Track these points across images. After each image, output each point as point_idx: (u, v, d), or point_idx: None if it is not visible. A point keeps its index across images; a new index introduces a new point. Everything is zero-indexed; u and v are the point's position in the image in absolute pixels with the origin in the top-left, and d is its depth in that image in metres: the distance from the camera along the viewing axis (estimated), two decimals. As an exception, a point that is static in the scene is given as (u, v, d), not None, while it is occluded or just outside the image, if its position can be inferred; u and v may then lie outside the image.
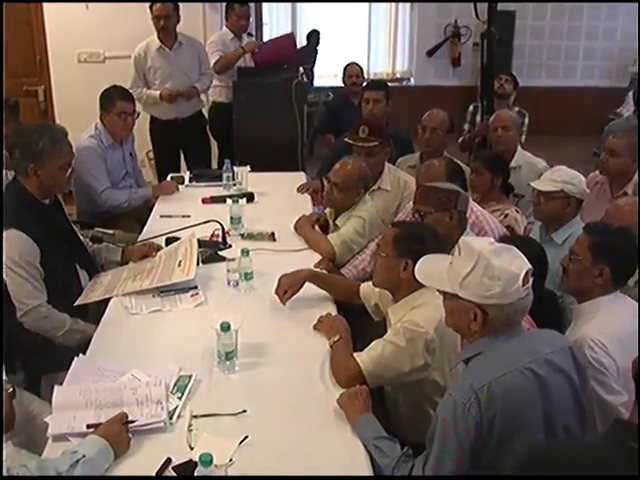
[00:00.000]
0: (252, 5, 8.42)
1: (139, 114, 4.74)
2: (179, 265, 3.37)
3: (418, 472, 2.11)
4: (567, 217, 3.56)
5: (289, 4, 11.25)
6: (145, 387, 2.43)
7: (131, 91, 5.30)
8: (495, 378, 2.04)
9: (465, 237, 2.32)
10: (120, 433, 2.20)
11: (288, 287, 3.12)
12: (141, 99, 5.60)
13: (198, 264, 3.40)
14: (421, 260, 2.38)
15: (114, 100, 4.54)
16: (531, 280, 2.11)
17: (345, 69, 6.47)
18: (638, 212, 3.04)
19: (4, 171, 3.89)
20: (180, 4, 5.66)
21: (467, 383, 2.06)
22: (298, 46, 9.95)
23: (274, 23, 11.10)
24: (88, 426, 2.26)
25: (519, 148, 4.71)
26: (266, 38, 8.67)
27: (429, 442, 2.12)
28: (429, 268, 2.33)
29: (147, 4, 5.65)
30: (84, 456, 2.04)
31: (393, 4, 11.30)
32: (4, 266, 3.03)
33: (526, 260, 2.13)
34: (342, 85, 6.64)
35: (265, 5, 9.44)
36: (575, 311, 2.80)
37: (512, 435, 2.06)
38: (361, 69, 6.48)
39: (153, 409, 2.35)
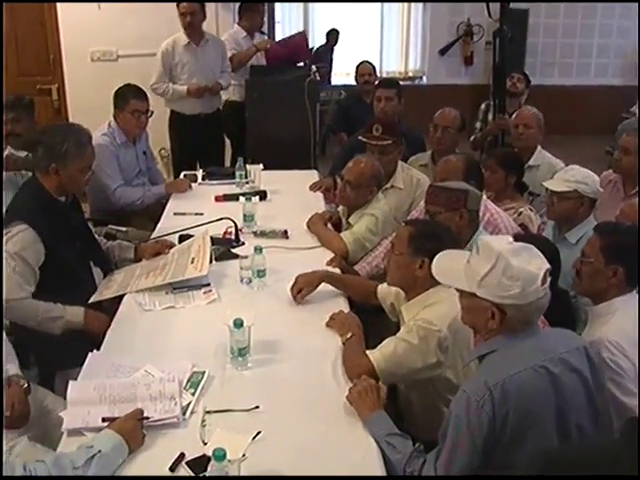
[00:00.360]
0: (265, 4, 8.48)
1: (152, 113, 4.76)
2: (192, 262, 3.39)
3: (430, 468, 2.11)
4: (580, 217, 3.53)
5: (301, 3, 11.27)
6: (159, 383, 2.44)
7: (156, 86, 5.61)
8: (509, 375, 2.04)
9: (483, 236, 2.32)
10: (135, 429, 2.21)
11: (303, 285, 3.14)
12: (166, 94, 5.75)
13: (211, 261, 3.41)
14: (438, 256, 2.37)
15: (128, 98, 4.57)
16: (549, 279, 2.11)
17: (357, 68, 6.47)
18: None
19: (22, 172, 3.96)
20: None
21: (481, 380, 2.06)
22: (311, 44, 10.04)
23: (286, 22, 11.14)
24: (104, 419, 2.27)
25: (539, 147, 4.68)
26: (278, 37, 8.67)
27: (441, 438, 2.12)
28: (446, 265, 2.32)
29: (159, 3, 5.68)
30: (100, 451, 2.05)
31: (406, 4, 11.30)
32: (4, 253, 3.06)
33: (544, 259, 2.12)
34: (354, 83, 6.65)
35: (278, 4, 9.44)
36: (591, 313, 2.77)
37: (525, 432, 2.06)
38: (373, 67, 6.48)
39: (167, 405, 2.36)
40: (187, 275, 3.30)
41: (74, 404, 2.36)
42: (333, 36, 10.48)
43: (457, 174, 3.56)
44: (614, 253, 2.64)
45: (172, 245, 3.70)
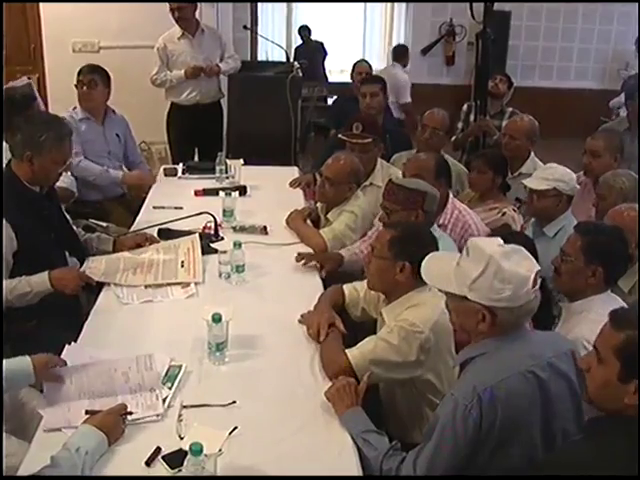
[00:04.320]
0: (247, 4, 8.48)
1: (101, 87, 4.84)
2: (182, 265, 3.40)
3: (408, 465, 2.12)
4: (558, 212, 3.62)
5: (284, 3, 11.26)
6: (136, 373, 2.44)
7: (155, 77, 5.78)
8: (498, 381, 2.05)
9: (474, 238, 2.32)
10: (117, 425, 2.20)
11: (320, 322, 2.85)
12: (166, 82, 5.86)
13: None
14: (426, 259, 2.36)
15: (78, 74, 4.80)
16: (539, 281, 2.11)
17: (354, 66, 6.51)
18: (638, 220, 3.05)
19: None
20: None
21: (470, 384, 2.06)
22: (294, 45, 10.07)
23: (269, 23, 11.12)
24: (87, 412, 2.26)
25: (532, 156, 4.69)
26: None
27: (425, 438, 2.12)
28: (435, 268, 2.31)
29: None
30: (87, 452, 2.04)
31: (389, 3, 11.33)
32: None
33: (534, 261, 2.14)
34: (349, 81, 6.66)
35: (260, 5, 9.43)
36: (566, 309, 2.81)
37: (511, 437, 2.07)
38: (370, 66, 6.51)
39: (148, 398, 2.36)
40: (180, 279, 3.30)
41: (52, 402, 2.33)
42: (305, 33, 10.50)
43: (428, 172, 3.57)
44: (595, 253, 2.68)
45: (152, 238, 3.68)
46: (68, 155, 3.38)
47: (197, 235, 3.67)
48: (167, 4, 5.74)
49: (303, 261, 3.53)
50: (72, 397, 2.35)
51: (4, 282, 3.06)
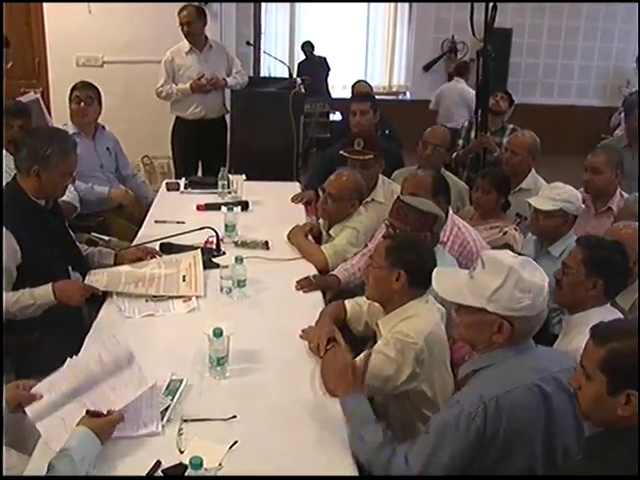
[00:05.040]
0: (251, 17, 8.52)
1: (94, 100, 4.89)
2: (183, 279, 3.41)
3: (400, 458, 2.14)
4: (563, 232, 3.62)
5: (287, 19, 11.34)
6: (109, 355, 2.43)
7: (161, 89, 5.84)
8: (504, 392, 2.07)
9: (486, 251, 2.36)
10: (111, 433, 2.21)
11: (320, 336, 2.86)
12: (171, 95, 5.93)
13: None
14: (435, 274, 2.38)
15: (72, 90, 4.86)
16: (548, 291, 2.17)
17: (353, 87, 6.54)
18: (638, 236, 3.07)
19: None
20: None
21: (477, 393, 2.09)
22: (297, 59, 10.11)
23: (272, 38, 11.19)
24: (87, 412, 2.23)
25: (533, 171, 4.71)
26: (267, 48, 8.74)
27: (421, 434, 2.16)
28: (447, 282, 2.33)
29: (147, 9, 5.73)
30: (90, 464, 2.05)
31: (391, 19, 11.40)
32: None
33: (543, 272, 2.19)
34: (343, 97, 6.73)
35: (262, 20, 9.52)
36: (567, 322, 2.84)
37: (513, 449, 2.09)
38: (370, 87, 6.56)
39: (132, 375, 2.39)
40: (181, 292, 3.32)
41: (40, 419, 2.28)
42: (308, 48, 10.57)
43: (425, 190, 3.57)
44: (596, 266, 2.73)
45: (153, 252, 3.70)
46: (74, 167, 3.39)
47: (199, 250, 3.67)
48: (175, 19, 5.82)
49: (304, 289, 3.49)
50: (59, 405, 2.31)
51: (7, 294, 3.07)
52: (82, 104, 4.83)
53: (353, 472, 2.20)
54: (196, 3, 6.10)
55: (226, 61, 6.11)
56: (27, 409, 2.30)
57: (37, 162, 3.22)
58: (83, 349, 2.77)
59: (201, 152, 6.09)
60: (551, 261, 3.42)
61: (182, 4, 5.87)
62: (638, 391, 1.71)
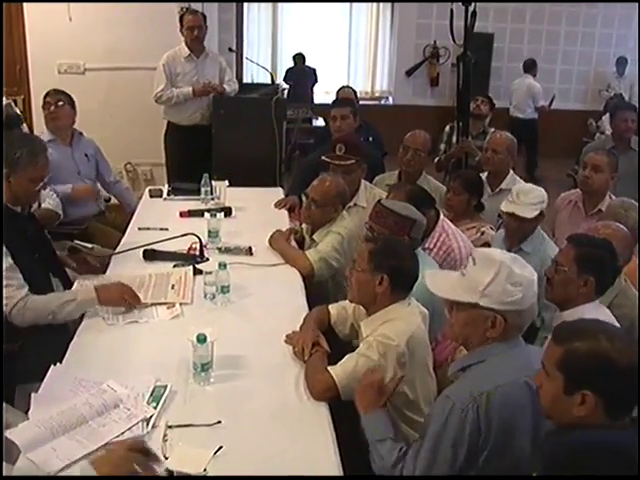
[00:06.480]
0: (233, 23, 8.55)
1: (67, 107, 4.91)
2: (172, 288, 3.42)
3: (409, 467, 2.18)
4: (534, 229, 3.72)
5: (270, 25, 11.37)
6: (96, 398, 2.43)
7: (161, 93, 5.89)
8: (494, 387, 2.10)
9: (477, 249, 2.42)
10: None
11: (304, 341, 2.85)
12: (172, 99, 5.96)
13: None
14: (428, 276, 2.45)
15: (45, 97, 4.93)
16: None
17: (338, 93, 6.56)
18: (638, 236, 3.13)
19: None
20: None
21: (467, 389, 2.12)
22: (278, 67, 10.14)
23: (254, 45, 11.22)
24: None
25: (511, 172, 4.76)
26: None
27: (421, 438, 2.19)
28: (440, 281, 2.39)
29: (128, 16, 5.73)
30: None
31: (373, 25, 11.45)
32: None
33: (530, 267, 2.25)
34: (326, 103, 6.73)
35: (245, 25, 9.54)
36: (556, 319, 2.86)
37: (504, 446, 2.12)
38: (355, 92, 6.57)
39: (119, 413, 2.39)
40: (169, 299, 3.32)
41: (29, 449, 2.23)
42: (299, 60, 10.62)
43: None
44: (587, 263, 2.78)
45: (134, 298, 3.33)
46: (44, 172, 3.35)
47: (190, 268, 3.64)
48: (157, 25, 5.95)
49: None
50: (48, 439, 2.27)
51: (45, 296, 3.13)
52: (52, 107, 4.87)
53: (338, 474, 2.20)
54: (184, 4, 6.15)
55: (219, 70, 6.19)
56: (17, 440, 2.25)
57: (7, 166, 3.21)
58: (66, 358, 2.78)
59: (195, 158, 6.04)
60: (527, 258, 3.45)
61: (166, 4, 5.92)
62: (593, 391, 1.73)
